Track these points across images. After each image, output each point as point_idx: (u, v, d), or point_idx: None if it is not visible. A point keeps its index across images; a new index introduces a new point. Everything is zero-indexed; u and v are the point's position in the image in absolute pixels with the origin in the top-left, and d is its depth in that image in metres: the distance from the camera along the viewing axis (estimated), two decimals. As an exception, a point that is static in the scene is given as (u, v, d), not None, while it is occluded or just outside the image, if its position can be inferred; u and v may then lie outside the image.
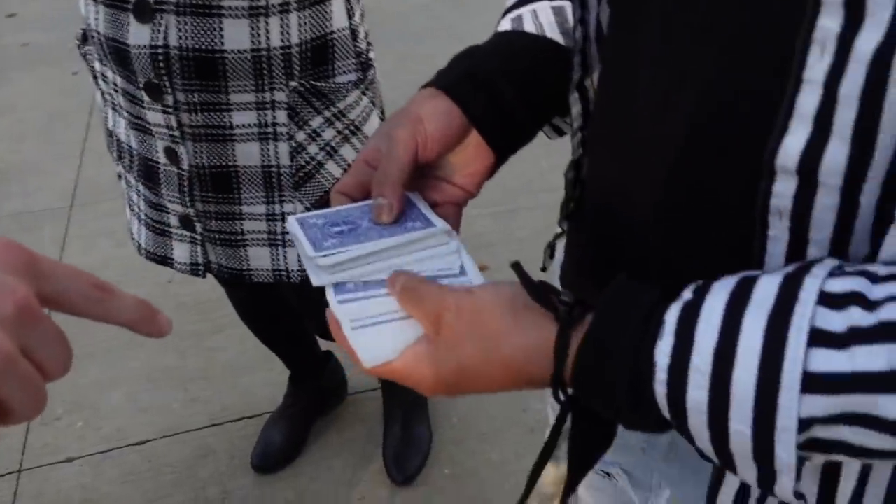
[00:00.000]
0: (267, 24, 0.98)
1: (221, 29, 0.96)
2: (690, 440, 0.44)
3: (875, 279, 0.40)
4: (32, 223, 2.44)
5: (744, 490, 0.53)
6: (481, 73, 0.59)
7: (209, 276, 1.21)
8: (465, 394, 0.51)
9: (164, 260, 1.18)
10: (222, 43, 0.97)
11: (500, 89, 0.58)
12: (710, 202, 0.48)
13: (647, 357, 0.42)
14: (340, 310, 0.52)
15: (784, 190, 0.42)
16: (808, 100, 0.39)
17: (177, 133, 1.03)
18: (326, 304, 0.53)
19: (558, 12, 0.65)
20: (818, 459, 0.43)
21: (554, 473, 0.61)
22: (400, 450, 1.65)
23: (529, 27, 0.64)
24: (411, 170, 0.57)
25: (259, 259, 1.14)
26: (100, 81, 1.11)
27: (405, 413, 1.69)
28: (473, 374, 0.49)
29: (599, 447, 0.59)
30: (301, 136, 1.06)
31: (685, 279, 0.46)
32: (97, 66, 1.09)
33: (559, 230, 0.78)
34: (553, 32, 0.63)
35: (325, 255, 0.54)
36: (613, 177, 0.58)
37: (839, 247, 0.43)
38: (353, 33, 1.07)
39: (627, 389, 0.44)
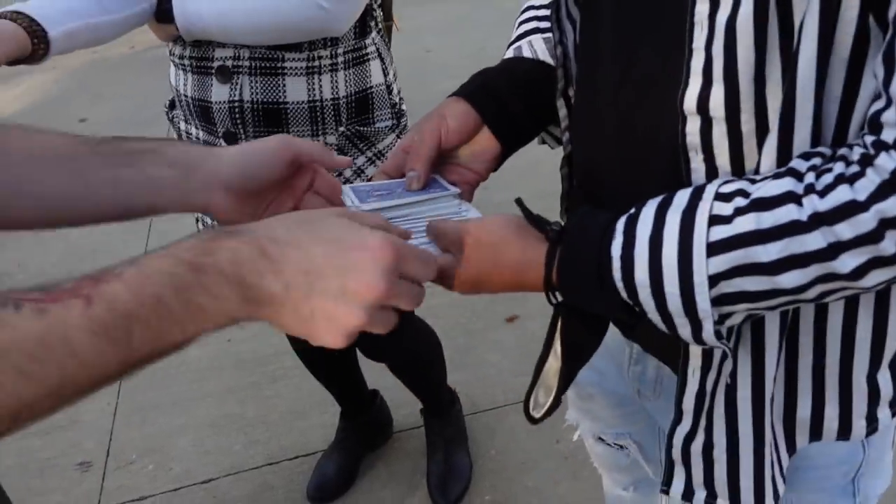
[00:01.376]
0: (320, 80, 1.22)
1: (284, 85, 1.21)
2: (643, 313, 0.61)
3: (753, 181, 0.57)
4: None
5: (700, 393, 0.69)
6: (492, 86, 0.81)
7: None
8: (479, 293, 0.69)
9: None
10: (285, 96, 1.22)
11: (506, 99, 0.80)
12: (651, 150, 0.67)
13: (606, 253, 0.61)
14: None
15: (692, 128, 0.60)
16: (696, 61, 0.58)
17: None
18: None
19: (548, 41, 0.87)
20: (737, 317, 0.60)
21: (554, 366, 0.78)
22: (443, 478, 1.78)
23: (527, 54, 0.85)
24: (435, 153, 0.77)
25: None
26: (184, 139, 1.37)
27: (447, 445, 1.83)
28: (486, 278, 0.67)
29: (589, 346, 0.76)
30: (348, 172, 1.29)
31: None
32: (182, 125, 1.35)
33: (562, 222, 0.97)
34: (545, 57, 0.85)
35: (366, 205, 0.74)
36: (587, 154, 0.78)
37: (736, 168, 0.60)
38: (388, 88, 1.32)
39: (595, 278, 0.62)
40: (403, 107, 1.36)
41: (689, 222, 0.57)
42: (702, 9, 0.56)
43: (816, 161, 0.55)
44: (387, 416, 1.94)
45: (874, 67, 0.54)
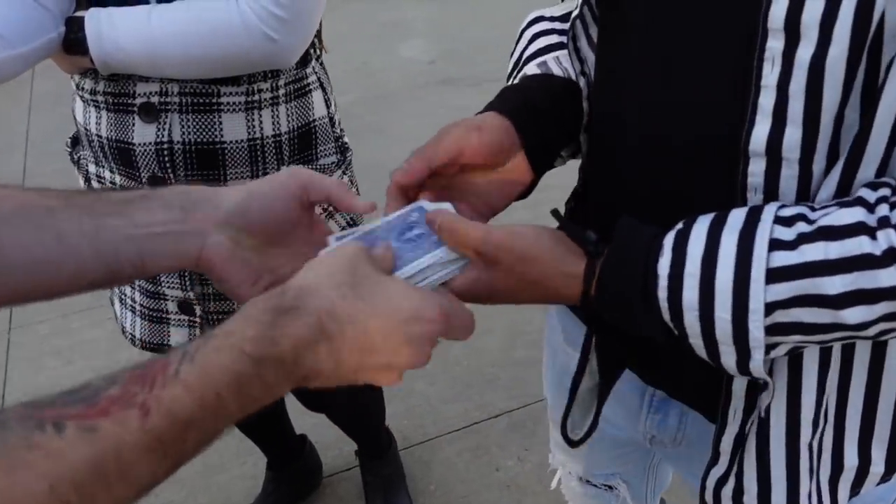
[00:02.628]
0: (260, 116, 1.09)
1: (221, 123, 1.07)
2: (684, 337, 0.57)
3: (813, 209, 0.55)
4: (-31, 350, 2.37)
5: (740, 435, 0.65)
6: (535, 107, 0.70)
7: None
8: (510, 303, 0.64)
9: (161, 347, 1.23)
10: (222, 135, 1.08)
11: (548, 124, 0.70)
12: (698, 191, 0.62)
13: (652, 271, 0.56)
14: None
15: (756, 169, 0.56)
16: (766, 99, 0.54)
17: (178, 221, 1.11)
18: None
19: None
20: (782, 349, 0.56)
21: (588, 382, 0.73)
22: (385, 522, 1.69)
23: (557, 71, 0.75)
24: (446, 162, 0.65)
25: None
26: (93, 183, 1.19)
27: (385, 486, 1.73)
28: (518, 294, 0.62)
29: (620, 364, 0.72)
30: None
31: None
32: (92, 168, 1.17)
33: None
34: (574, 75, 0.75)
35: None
36: (614, 187, 0.71)
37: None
38: (332, 120, 1.20)
39: (638, 297, 0.57)
40: (346, 139, 1.25)
41: (747, 244, 0.53)
42: (775, 45, 0.52)
43: (885, 192, 0.53)
44: (316, 461, 1.81)
45: None
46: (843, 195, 0.55)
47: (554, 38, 0.77)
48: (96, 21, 0.99)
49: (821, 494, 0.68)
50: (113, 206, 0.59)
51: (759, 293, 0.53)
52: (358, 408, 1.58)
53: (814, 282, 0.52)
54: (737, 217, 0.55)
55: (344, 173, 1.23)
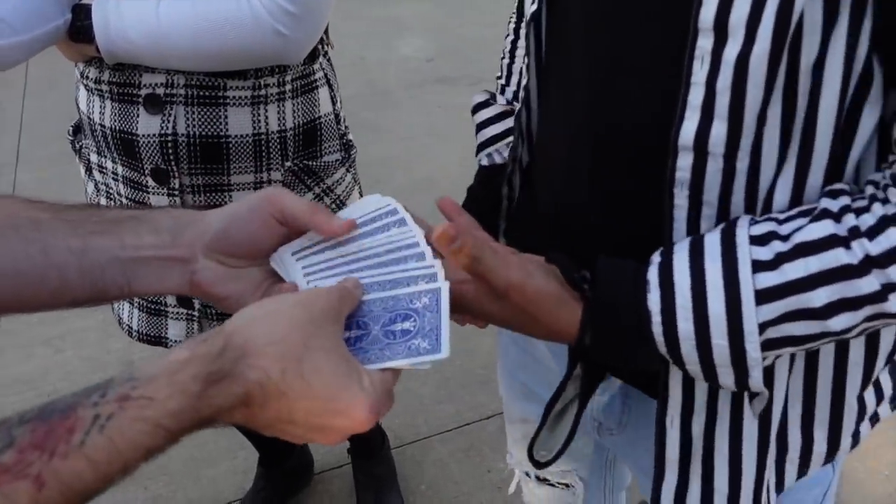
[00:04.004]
0: (266, 111, 1.09)
1: (226, 117, 1.06)
2: (681, 365, 0.59)
3: (779, 221, 0.57)
4: (-43, 337, 2.35)
5: (685, 407, 0.66)
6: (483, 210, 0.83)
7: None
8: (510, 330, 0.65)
9: (158, 339, 1.22)
10: (227, 129, 1.07)
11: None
12: (630, 183, 0.66)
13: (644, 308, 0.58)
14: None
15: (684, 164, 0.58)
16: (695, 96, 0.56)
17: (180, 214, 1.10)
18: None
19: None
20: (769, 360, 0.59)
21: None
22: (375, 521, 1.68)
23: (499, 160, 0.89)
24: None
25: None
26: (95, 173, 1.18)
27: (377, 484, 1.73)
28: (516, 324, 0.64)
29: (600, 379, 0.74)
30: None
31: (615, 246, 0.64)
32: (94, 157, 1.16)
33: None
34: None
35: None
36: (557, 189, 0.74)
37: (723, 205, 0.60)
38: (337, 117, 1.20)
39: (635, 336, 0.59)
40: (351, 137, 1.25)
41: (732, 271, 0.56)
42: (704, 43, 0.55)
43: (846, 201, 0.56)
44: (308, 457, 1.81)
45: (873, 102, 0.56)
46: (799, 199, 0.58)
47: (497, 129, 0.90)
48: (103, 10, 0.98)
49: (768, 479, 0.70)
50: (103, 225, 0.58)
51: (752, 316, 0.55)
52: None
53: (799, 298, 0.55)
54: (712, 243, 0.57)
55: (348, 171, 1.22)
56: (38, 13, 0.96)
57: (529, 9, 0.74)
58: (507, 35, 0.98)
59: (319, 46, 1.14)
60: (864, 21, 0.52)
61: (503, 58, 0.98)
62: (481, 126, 0.94)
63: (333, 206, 1.20)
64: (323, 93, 1.16)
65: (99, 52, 1.00)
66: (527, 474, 1.08)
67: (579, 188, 0.70)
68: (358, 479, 1.74)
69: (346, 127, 1.24)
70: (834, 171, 0.58)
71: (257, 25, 0.97)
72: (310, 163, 1.16)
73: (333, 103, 1.18)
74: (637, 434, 0.80)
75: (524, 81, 0.79)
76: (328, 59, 1.19)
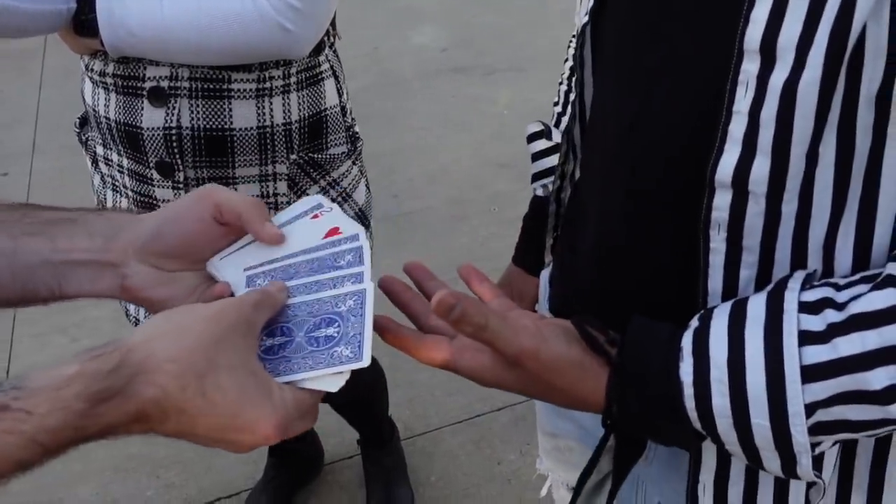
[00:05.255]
0: (271, 103, 1.08)
1: (231, 109, 1.06)
2: (720, 444, 0.53)
3: (838, 287, 0.51)
4: (-26, 326, 2.38)
5: (720, 474, 0.61)
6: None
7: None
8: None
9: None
10: (231, 122, 1.06)
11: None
12: (662, 220, 0.60)
13: (675, 378, 0.52)
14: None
15: (721, 203, 0.52)
16: (737, 126, 0.51)
17: (185, 207, 1.10)
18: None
19: None
20: (826, 444, 0.53)
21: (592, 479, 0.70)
22: (385, 511, 1.69)
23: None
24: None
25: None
26: (101, 165, 1.18)
27: (387, 475, 1.73)
28: (536, 394, 0.58)
29: (634, 459, 0.68)
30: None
31: (640, 295, 0.60)
32: (100, 150, 1.16)
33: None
34: None
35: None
36: (593, 202, 0.70)
37: (767, 253, 0.53)
38: (343, 110, 1.19)
39: (666, 408, 0.52)
40: (357, 129, 1.24)
41: (775, 342, 0.49)
42: (749, 67, 0.49)
43: None
44: (318, 448, 1.81)
45: None
46: (864, 262, 0.52)
47: (553, 161, 0.91)
48: (108, 4, 0.98)
49: None
50: (37, 226, 0.58)
51: (797, 395, 0.48)
52: (361, 397, 1.58)
53: (855, 377, 0.48)
54: (757, 308, 0.51)
55: (354, 163, 1.22)
56: None
57: (580, 21, 0.70)
58: (566, 60, 0.96)
59: (325, 38, 1.13)
60: None
61: (560, 83, 0.96)
62: (536, 156, 0.93)
63: (339, 198, 1.20)
64: (329, 85, 1.15)
65: (103, 46, 1.00)
66: (559, 482, 1.05)
67: (615, 215, 0.65)
68: (368, 470, 1.75)
69: (352, 119, 1.24)
70: None
71: (262, 21, 0.96)
72: (315, 155, 1.15)
73: (339, 95, 1.18)
74: (666, 469, 0.73)
75: (572, 96, 0.75)
76: (334, 51, 1.18)
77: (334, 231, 0.62)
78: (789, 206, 0.51)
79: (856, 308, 0.48)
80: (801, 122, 0.48)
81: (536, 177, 0.96)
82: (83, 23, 0.99)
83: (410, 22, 4.49)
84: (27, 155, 3.27)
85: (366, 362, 0.53)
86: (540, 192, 0.96)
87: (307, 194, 1.15)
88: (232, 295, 0.60)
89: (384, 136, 3.01)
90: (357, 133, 1.23)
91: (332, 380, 0.53)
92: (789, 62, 0.48)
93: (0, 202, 0.59)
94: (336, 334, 0.55)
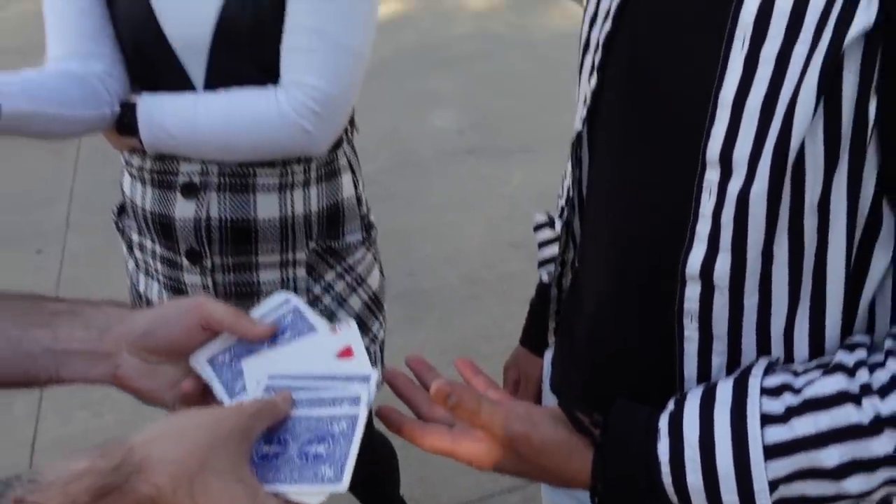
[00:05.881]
0: (292, 195, 1.17)
1: (255, 202, 1.15)
2: None
3: (796, 373, 0.57)
4: (2, 398, 2.44)
5: None
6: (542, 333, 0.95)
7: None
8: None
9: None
10: (255, 213, 1.15)
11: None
12: (646, 310, 0.66)
13: (654, 457, 0.58)
14: None
15: (692, 294, 0.59)
16: (702, 226, 0.58)
17: (211, 291, 1.18)
18: None
19: None
20: None
21: None
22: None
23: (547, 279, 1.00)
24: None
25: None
26: (135, 251, 1.27)
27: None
28: (527, 473, 0.64)
29: None
30: (317, 289, 1.23)
31: (626, 375, 0.66)
32: (135, 237, 1.25)
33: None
34: None
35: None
36: (588, 289, 0.77)
37: (734, 341, 0.60)
38: (359, 200, 1.28)
39: (645, 485, 0.59)
40: (372, 218, 1.33)
41: (740, 423, 0.55)
42: (712, 176, 0.57)
43: (862, 354, 0.55)
44: None
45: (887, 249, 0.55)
46: (819, 348, 0.57)
47: (556, 250, 0.94)
48: (148, 108, 1.08)
49: None
50: (42, 318, 0.65)
51: (761, 474, 0.54)
52: (372, 475, 1.61)
53: (809, 456, 0.53)
54: (724, 392, 0.57)
55: (368, 250, 1.30)
56: (89, 100, 1.06)
57: (576, 126, 0.78)
58: (570, 158, 1.04)
59: (343, 134, 1.23)
60: (866, 164, 0.53)
61: (564, 178, 1.03)
62: (542, 245, 1.01)
63: (354, 283, 1.27)
64: (346, 178, 1.24)
65: (142, 145, 1.10)
66: None
67: (607, 303, 0.72)
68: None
69: (367, 208, 1.33)
70: (851, 314, 0.57)
71: (285, 124, 1.06)
72: (332, 243, 1.23)
73: (355, 186, 1.27)
74: None
75: (573, 192, 0.82)
76: (352, 146, 1.28)
77: (348, 352, 0.66)
78: (751, 300, 0.58)
79: (809, 392, 0.54)
80: (755, 225, 0.55)
81: (542, 263, 1.03)
82: (125, 125, 1.09)
83: (427, 105, 4.67)
84: (61, 232, 3.40)
85: (343, 487, 0.57)
86: (545, 278, 1.03)
87: (324, 279, 1.23)
88: (204, 390, 0.66)
89: (402, 215, 3.10)
90: (371, 222, 1.32)
91: (313, 496, 0.58)
92: (742, 173, 0.55)
93: (14, 293, 0.67)
94: (324, 453, 0.58)
